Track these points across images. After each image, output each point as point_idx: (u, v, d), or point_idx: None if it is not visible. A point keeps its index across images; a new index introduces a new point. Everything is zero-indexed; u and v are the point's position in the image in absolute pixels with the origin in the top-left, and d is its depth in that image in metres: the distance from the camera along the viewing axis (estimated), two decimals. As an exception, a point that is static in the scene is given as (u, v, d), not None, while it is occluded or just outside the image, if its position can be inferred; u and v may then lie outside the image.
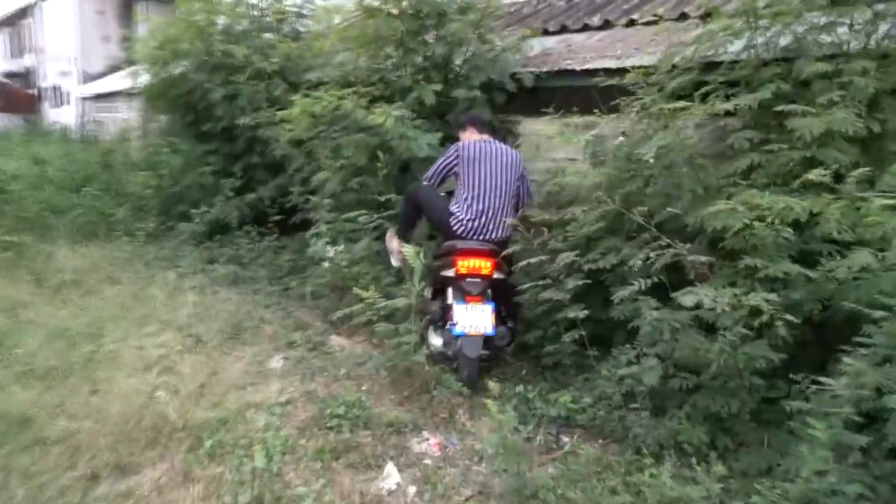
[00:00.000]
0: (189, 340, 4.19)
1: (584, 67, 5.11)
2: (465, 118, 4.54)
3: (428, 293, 4.26)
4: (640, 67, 4.46)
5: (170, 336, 4.20)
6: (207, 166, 6.89)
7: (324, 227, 4.79)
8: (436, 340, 3.93)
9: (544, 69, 5.38)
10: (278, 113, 5.13)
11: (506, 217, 3.98)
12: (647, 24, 5.78)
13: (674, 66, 3.81)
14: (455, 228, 3.98)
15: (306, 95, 5.00)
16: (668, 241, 2.83)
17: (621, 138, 3.29)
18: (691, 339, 2.70)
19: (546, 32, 6.33)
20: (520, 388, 3.47)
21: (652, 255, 2.84)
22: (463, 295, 3.71)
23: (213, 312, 4.67)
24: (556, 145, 5.53)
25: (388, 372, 3.68)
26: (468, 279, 3.71)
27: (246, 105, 6.45)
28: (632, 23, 5.82)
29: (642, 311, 2.87)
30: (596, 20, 6.10)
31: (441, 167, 4.29)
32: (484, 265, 3.72)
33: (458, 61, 5.64)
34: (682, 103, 3.13)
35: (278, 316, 4.74)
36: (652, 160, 3.20)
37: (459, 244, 3.85)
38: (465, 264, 3.72)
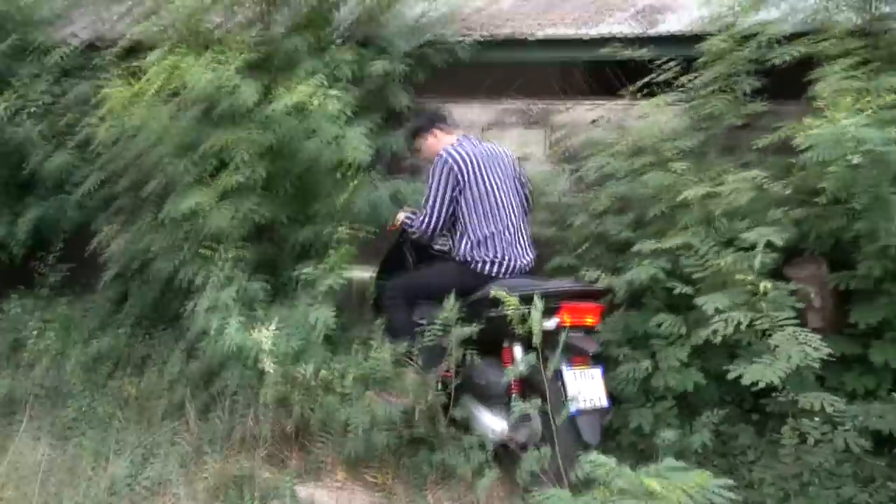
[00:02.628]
0: None
1: (545, 36, 3.91)
2: (422, 120, 3.27)
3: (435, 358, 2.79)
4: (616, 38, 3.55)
5: None
6: None
7: (228, 294, 2.70)
8: (494, 423, 2.69)
9: (476, 37, 4.00)
10: (105, 91, 2.70)
11: (527, 235, 3.09)
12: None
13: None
14: (486, 272, 2.88)
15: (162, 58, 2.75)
16: None
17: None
18: None
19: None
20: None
21: None
22: (571, 356, 2.53)
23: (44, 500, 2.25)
24: (493, 138, 4.28)
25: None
26: (574, 333, 2.55)
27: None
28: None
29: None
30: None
31: (439, 202, 2.92)
32: (590, 312, 2.63)
33: (344, 12, 3.95)
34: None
35: (172, 471, 2.52)
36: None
37: (560, 285, 2.75)
38: (570, 312, 2.57)
